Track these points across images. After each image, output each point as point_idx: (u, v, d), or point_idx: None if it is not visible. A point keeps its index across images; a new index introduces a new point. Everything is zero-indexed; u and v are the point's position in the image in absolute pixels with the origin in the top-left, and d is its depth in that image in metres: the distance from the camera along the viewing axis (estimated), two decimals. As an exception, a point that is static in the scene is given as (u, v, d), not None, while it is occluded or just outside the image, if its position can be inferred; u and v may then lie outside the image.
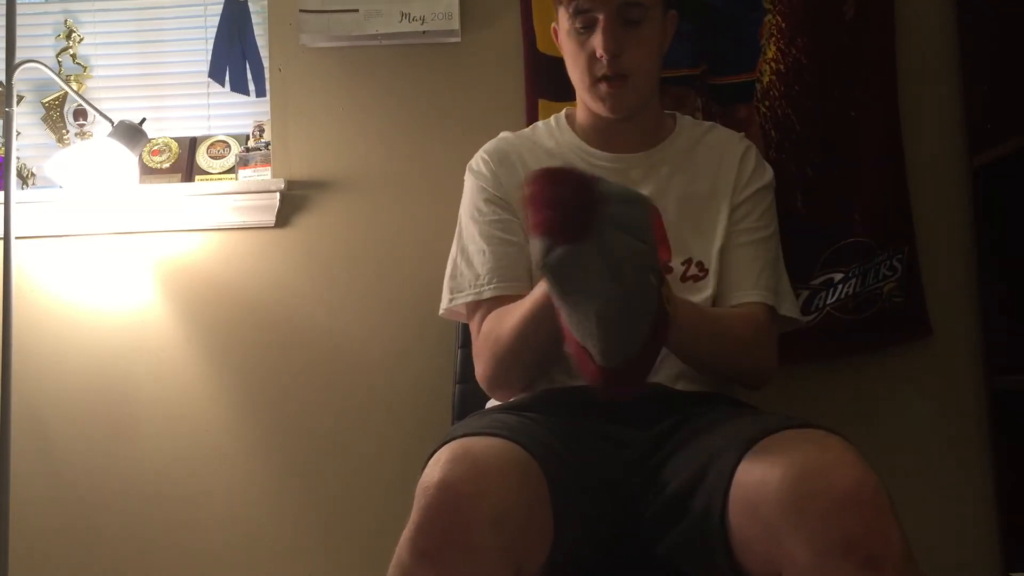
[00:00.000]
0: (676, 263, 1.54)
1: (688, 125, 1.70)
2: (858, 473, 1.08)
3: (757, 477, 1.15)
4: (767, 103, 2.00)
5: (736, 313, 1.54)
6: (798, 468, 1.11)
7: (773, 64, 2.01)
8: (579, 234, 1.09)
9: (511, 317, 1.46)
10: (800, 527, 1.08)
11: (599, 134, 1.64)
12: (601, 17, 1.52)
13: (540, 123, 1.73)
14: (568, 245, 1.09)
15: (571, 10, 1.55)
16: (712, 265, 1.56)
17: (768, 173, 1.65)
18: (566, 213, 1.09)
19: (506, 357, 1.48)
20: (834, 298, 1.95)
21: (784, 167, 1.96)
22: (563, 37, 1.60)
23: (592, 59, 1.54)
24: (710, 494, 1.21)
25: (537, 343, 1.43)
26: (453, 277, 1.62)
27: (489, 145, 1.69)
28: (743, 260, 1.57)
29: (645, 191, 1.56)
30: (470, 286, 1.57)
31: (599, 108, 1.59)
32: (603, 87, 1.55)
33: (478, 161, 1.67)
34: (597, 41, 1.52)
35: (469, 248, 1.60)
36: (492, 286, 1.55)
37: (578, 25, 1.55)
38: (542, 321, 1.36)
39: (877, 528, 1.05)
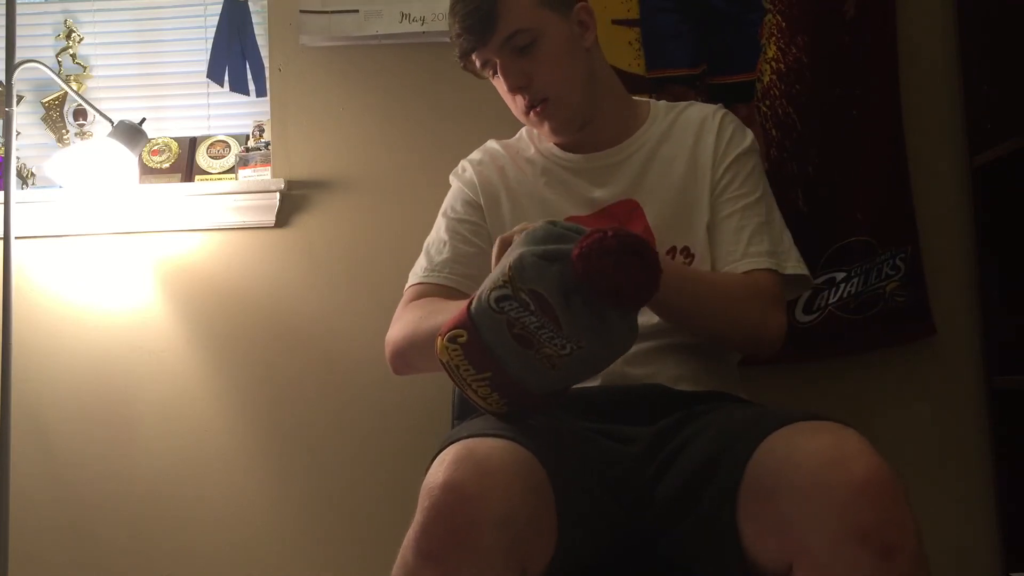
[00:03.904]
0: (661, 254, 1.53)
1: (663, 110, 1.68)
2: (874, 463, 1.09)
3: (771, 468, 1.15)
4: (767, 103, 2.00)
5: (729, 274, 1.52)
6: (815, 459, 1.11)
7: (773, 63, 2.01)
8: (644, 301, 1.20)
9: (441, 315, 1.43)
10: (816, 517, 1.08)
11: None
12: (495, 59, 1.56)
13: (524, 130, 1.74)
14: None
15: (478, 66, 1.59)
16: (699, 247, 1.55)
17: (747, 137, 1.62)
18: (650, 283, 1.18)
19: (418, 344, 1.51)
20: (836, 297, 1.95)
21: (785, 166, 1.97)
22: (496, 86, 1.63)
23: (513, 97, 1.58)
24: (722, 486, 1.21)
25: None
26: (415, 265, 1.68)
27: (474, 154, 1.73)
28: (729, 230, 1.55)
29: (619, 185, 1.59)
30: (422, 271, 1.63)
31: (546, 135, 1.63)
32: (533, 116, 1.58)
33: (463, 166, 1.72)
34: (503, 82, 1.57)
35: (432, 239, 1.67)
36: (442, 274, 1.61)
37: (490, 74, 1.60)
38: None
39: (894, 518, 1.06)
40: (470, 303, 1.21)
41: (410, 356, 1.58)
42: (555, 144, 1.65)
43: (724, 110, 1.66)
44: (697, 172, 1.59)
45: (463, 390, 1.23)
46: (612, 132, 1.63)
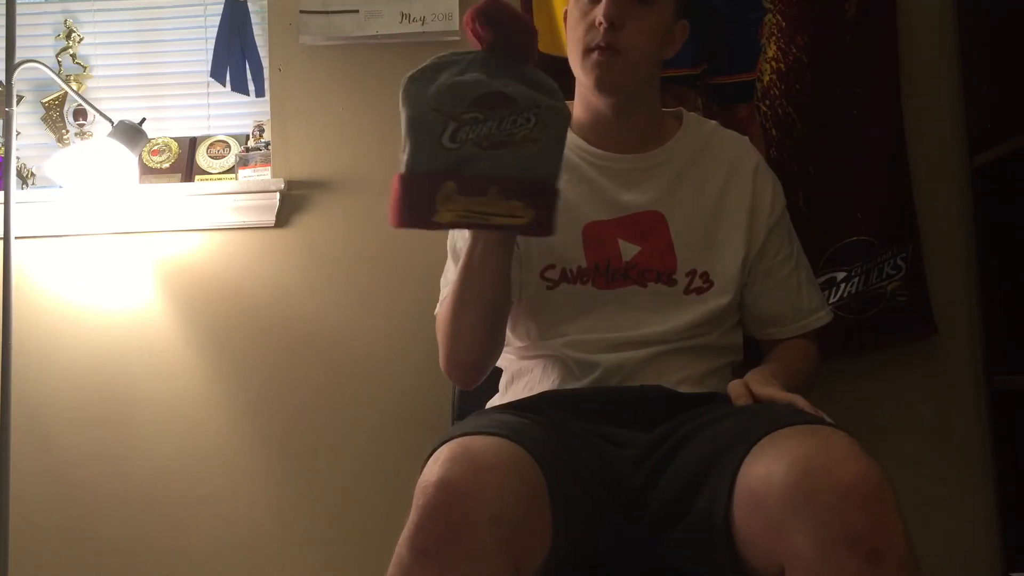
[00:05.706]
0: (680, 274, 1.53)
1: (693, 125, 1.66)
2: (863, 468, 1.09)
3: (762, 472, 1.15)
4: (768, 102, 2.00)
5: (804, 354, 1.63)
6: (803, 463, 1.11)
7: (774, 63, 2.01)
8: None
9: (448, 290, 1.50)
10: (804, 521, 1.08)
11: (596, 132, 1.60)
12: None
13: None
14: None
15: None
16: (721, 277, 1.55)
17: (780, 189, 1.66)
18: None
19: (449, 327, 1.50)
20: (837, 297, 1.94)
21: (785, 166, 1.96)
22: (570, 7, 1.58)
23: (591, 28, 1.51)
24: (714, 490, 1.21)
25: (472, 298, 1.46)
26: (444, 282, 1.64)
27: None
28: (791, 290, 1.63)
29: (649, 193, 1.57)
30: (446, 286, 1.60)
31: (587, 80, 1.55)
32: (594, 55, 1.51)
33: None
34: (599, 9, 1.49)
35: (451, 253, 1.64)
36: None
37: None
38: (472, 275, 1.43)
39: (881, 522, 1.06)
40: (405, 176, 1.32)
41: (464, 350, 1.53)
42: (581, 138, 1.60)
43: (755, 150, 1.68)
44: (727, 206, 1.59)
45: (486, 225, 1.27)
46: (642, 136, 1.61)
